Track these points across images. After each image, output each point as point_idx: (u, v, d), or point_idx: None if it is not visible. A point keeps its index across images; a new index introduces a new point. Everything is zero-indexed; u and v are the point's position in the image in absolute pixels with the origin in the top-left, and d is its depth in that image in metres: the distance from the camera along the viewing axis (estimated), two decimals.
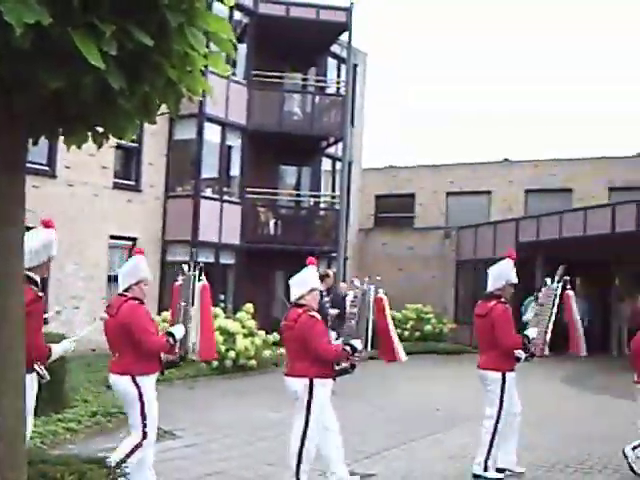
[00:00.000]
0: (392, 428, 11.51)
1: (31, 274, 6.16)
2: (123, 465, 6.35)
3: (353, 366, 7.61)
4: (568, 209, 27.58)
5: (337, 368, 7.54)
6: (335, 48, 27.44)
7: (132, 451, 6.95)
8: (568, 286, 9.15)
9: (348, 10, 24.56)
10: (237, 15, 23.42)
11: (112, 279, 21.14)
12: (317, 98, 26.07)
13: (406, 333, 26.02)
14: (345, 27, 24.71)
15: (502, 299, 8.59)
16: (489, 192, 34.67)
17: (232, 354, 16.65)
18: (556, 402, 14.87)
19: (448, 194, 35.31)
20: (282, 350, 19.00)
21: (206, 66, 4.10)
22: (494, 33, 76.24)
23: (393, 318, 22.70)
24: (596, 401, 15.34)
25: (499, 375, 8.47)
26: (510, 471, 8.66)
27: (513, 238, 26.76)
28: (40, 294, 6.22)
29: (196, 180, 22.55)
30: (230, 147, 23.90)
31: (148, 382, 7.06)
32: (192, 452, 9.50)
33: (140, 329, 6.99)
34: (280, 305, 26.96)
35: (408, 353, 8.43)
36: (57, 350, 6.47)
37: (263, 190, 24.25)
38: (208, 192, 22.99)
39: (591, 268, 27.09)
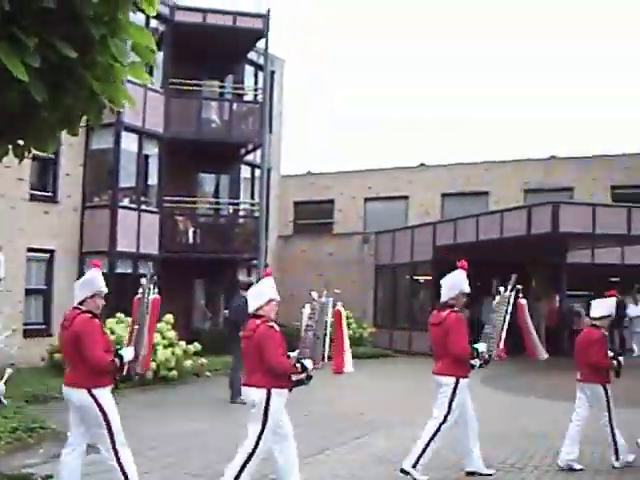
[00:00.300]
0: (316, 434, 11.51)
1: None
2: None
3: (309, 377, 7.69)
4: (484, 212, 28.09)
5: (294, 379, 7.65)
6: (252, 55, 27.40)
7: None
8: (520, 294, 9.67)
9: (265, 17, 24.57)
10: (153, 23, 23.14)
11: (30, 292, 20.76)
12: (235, 105, 25.95)
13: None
14: (262, 34, 24.72)
15: (455, 308, 8.93)
16: (406, 197, 35.06)
17: (153, 365, 16.44)
18: (476, 403, 15.01)
19: (366, 199, 35.59)
20: (203, 360, 19.05)
21: None
22: (423, 37, 77.24)
23: None
24: (515, 401, 15.62)
25: (453, 380, 8.74)
26: (480, 474, 8.92)
27: (430, 242, 27.12)
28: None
29: (113, 190, 22.18)
30: (147, 156, 23.58)
31: (104, 394, 7.10)
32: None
33: (88, 344, 7.00)
34: (201, 314, 26.81)
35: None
36: None
37: (181, 199, 24.03)
38: (126, 202, 22.65)
39: (508, 269, 27.52)
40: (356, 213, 35.48)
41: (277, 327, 7.62)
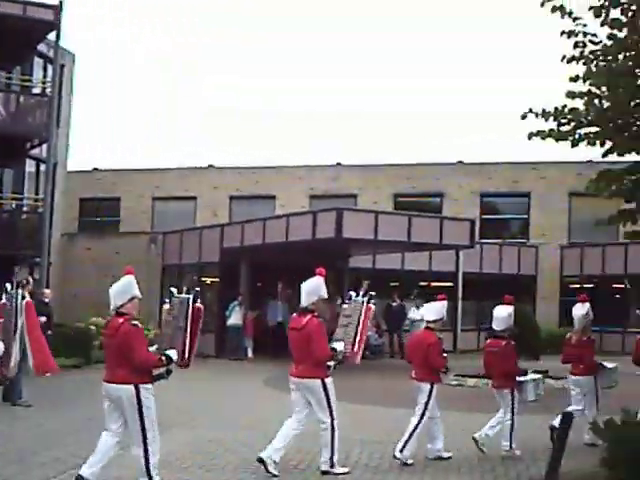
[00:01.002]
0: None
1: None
2: None
3: (169, 372, 7.98)
4: (271, 216, 28.67)
5: (154, 374, 7.94)
6: (43, 47, 26.52)
7: None
8: (372, 300, 10.17)
9: (57, 8, 23.87)
10: None
11: None
12: (22, 98, 25.05)
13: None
14: (53, 26, 24.03)
15: (315, 313, 9.32)
16: (194, 197, 35.18)
17: None
18: (260, 404, 15.34)
19: (154, 199, 35.38)
20: None
21: None
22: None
23: (97, 325, 22.18)
24: None
25: (318, 382, 9.22)
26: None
27: (218, 244, 27.27)
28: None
29: None
30: None
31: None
32: None
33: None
34: None
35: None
36: None
37: None
38: None
39: (294, 273, 28.25)
40: (143, 212, 35.18)
41: (140, 325, 8.01)
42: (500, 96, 64.24)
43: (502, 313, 10.73)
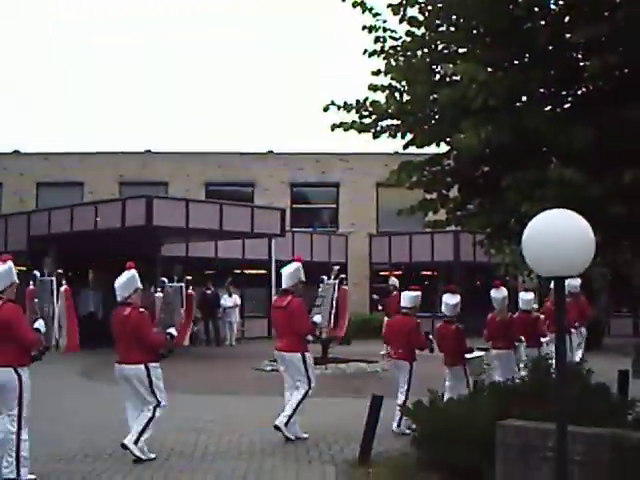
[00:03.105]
0: None
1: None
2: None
3: (170, 351, 10.02)
4: (79, 203, 27.97)
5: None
6: None
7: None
8: (344, 282, 13.94)
9: None
10: None
11: None
12: None
13: None
14: None
15: (295, 294, 10.59)
16: (0, 184, 33.86)
17: None
18: (76, 395, 14.96)
19: None
20: None
21: None
22: None
23: None
24: (114, 392, 15.68)
25: (299, 355, 10.56)
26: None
27: (25, 231, 26.39)
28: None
29: None
30: None
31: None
32: None
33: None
34: None
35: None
36: None
37: None
38: None
39: (106, 261, 27.71)
40: None
41: (146, 312, 9.50)
42: (314, 88, 65.20)
43: (452, 301, 11.92)
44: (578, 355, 16.19)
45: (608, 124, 6.81)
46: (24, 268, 26.55)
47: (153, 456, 9.36)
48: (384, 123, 8.42)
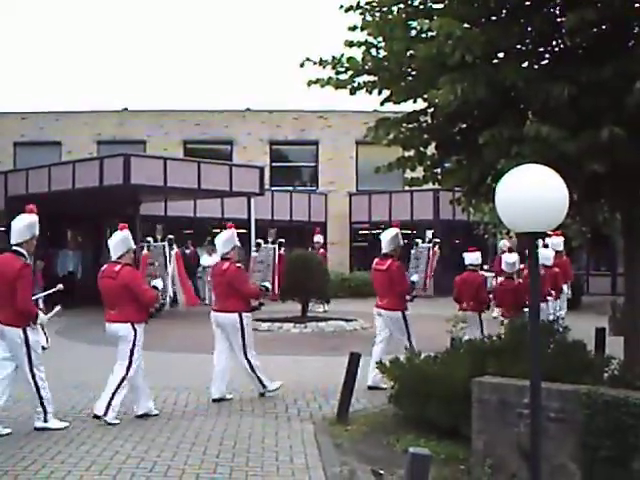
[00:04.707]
0: None
1: (20, 249, 8.48)
2: None
3: (262, 304, 11.77)
4: (57, 162, 27.72)
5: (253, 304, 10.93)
6: None
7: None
8: (436, 246, 15.20)
9: None
10: None
11: None
12: None
13: None
14: None
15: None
16: None
17: None
18: (55, 354, 14.91)
19: None
20: None
21: None
22: None
23: None
24: (91, 351, 15.74)
25: (399, 313, 11.24)
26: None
27: (2, 191, 26.17)
28: (28, 262, 8.57)
29: None
30: None
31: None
32: None
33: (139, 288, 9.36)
34: None
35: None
36: (41, 317, 8.63)
37: None
38: None
39: (82, 221, 27.60)
40: None
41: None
42: (293, 45, 64.64)
43: (510, 259, 12.87)
44: (562, 313, 16.26)
45: (585, 81, 6.78)
46: (3, 228, 26.51)
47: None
48: (361, 79, 8.36)
